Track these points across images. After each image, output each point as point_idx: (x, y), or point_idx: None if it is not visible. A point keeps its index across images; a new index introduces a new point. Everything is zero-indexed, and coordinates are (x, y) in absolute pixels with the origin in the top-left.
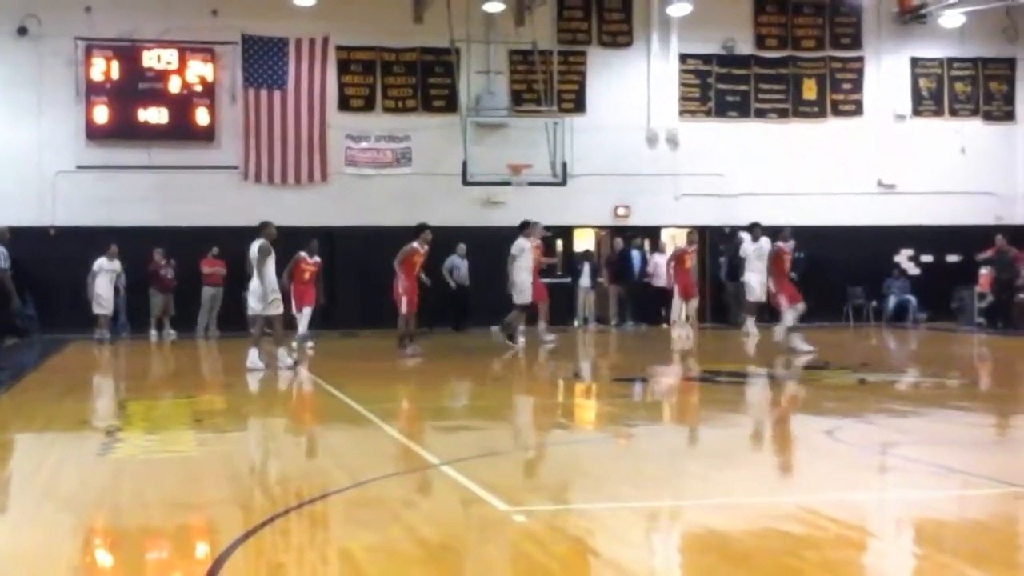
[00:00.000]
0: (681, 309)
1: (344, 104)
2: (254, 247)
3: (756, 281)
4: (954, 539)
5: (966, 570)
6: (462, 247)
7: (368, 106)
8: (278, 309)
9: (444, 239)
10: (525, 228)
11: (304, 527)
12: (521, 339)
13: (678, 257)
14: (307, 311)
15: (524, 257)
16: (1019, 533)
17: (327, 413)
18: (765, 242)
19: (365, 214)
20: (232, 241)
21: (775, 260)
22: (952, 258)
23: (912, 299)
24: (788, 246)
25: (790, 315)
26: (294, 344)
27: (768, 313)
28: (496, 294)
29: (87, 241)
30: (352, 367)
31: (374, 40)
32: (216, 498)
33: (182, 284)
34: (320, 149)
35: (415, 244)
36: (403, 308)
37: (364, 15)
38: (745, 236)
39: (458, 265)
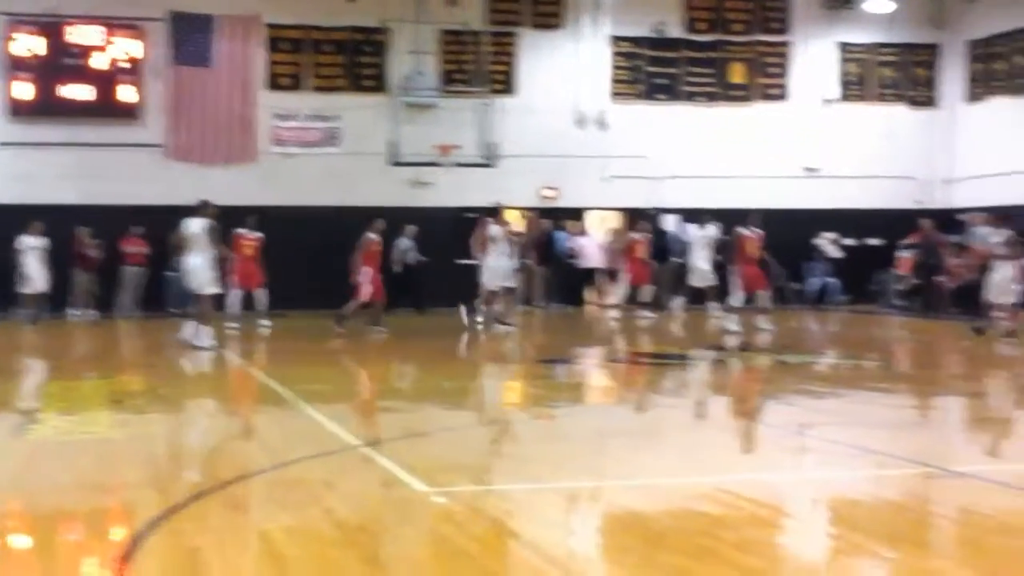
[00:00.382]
0: (626, 293)
1: (272, 83)
2: (195, 226)
3: (701, 266)
4: (868, 519)
5: (879, 549)
6: (411, 228)
7: (297, 85)
8: (215, 288)
9: (371, 218)
10: (497, 212)
11: (222, 509)
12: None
13: (629, 245)
14: (247, 294)
15: (499, 242)
16: (932, 512)
17: (250, 394)
18: (712, 228)
19: (292, 194)
20: (155, 220)
21: (737, 244)
22: (873, 241)
23: (834, 281)
24: (753, 232)
25: (736, 299)
26: (229, 324)
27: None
28: (430, 274)
29: (5, 219)
30: (278, 348)
31: (304, 18)
32: (133, 480)
33: (101, 263)
34: (247, 128)
35: (372, 234)
36: (360, 295)
37: None
38: (670, 219)
39: (408, 247)
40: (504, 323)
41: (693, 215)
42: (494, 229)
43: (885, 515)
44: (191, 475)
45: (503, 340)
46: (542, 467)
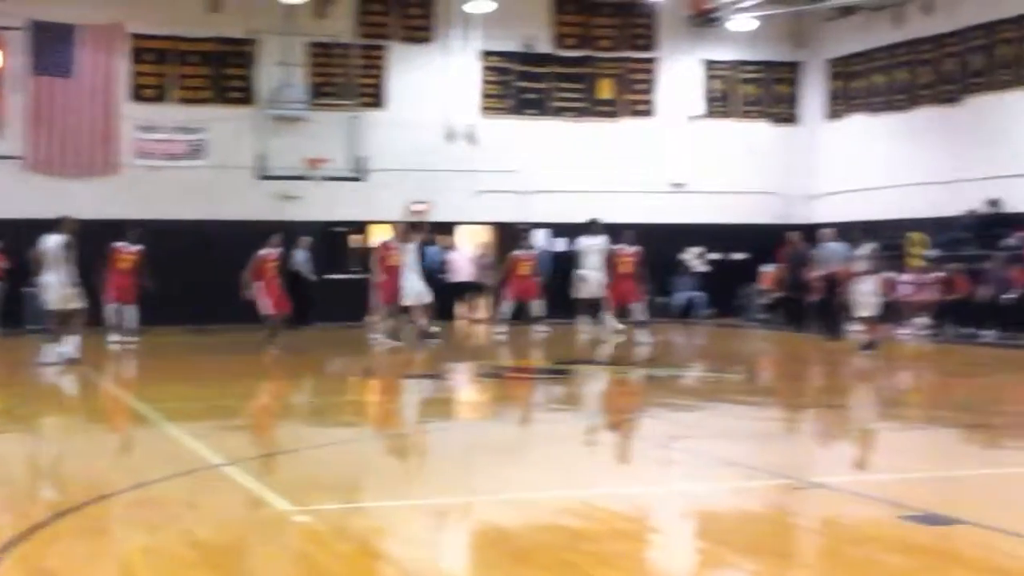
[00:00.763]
0: (509, 309)
1: (136, 94)
2: (52, 242)
3: (593, 277)
4: (731, 531)
5: (740, 561)
6: (306, 239)
7: (161, 96)
8: (78, 303)
9: (240, 233)
10: (417, 228)
11: (79, 531)
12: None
13: (512, 262)
14: (119, 308)
15: (408, 257)
16: (792, 524)
17: (110, 413)
18: (602, 239)
19: (157, 207)
20: (14, 234)
21: (610, 259)
22: (737, 256)
23: (700, 296)
24: (627, 248)
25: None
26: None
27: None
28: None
29: None
30: (141, 365)
31: (168, 29)
32: None
33: None
34: (110, 139)
35: (266, 251)
36: (266, 310)
37: (158, 3)
38: (539, 233)
39: (303, 260)
40: (430, 335)
41: (579, 228)
42: (408, 245)
43: (748, 527)
44: (47, 496)
45: (380, 355)
46: (409, 484)
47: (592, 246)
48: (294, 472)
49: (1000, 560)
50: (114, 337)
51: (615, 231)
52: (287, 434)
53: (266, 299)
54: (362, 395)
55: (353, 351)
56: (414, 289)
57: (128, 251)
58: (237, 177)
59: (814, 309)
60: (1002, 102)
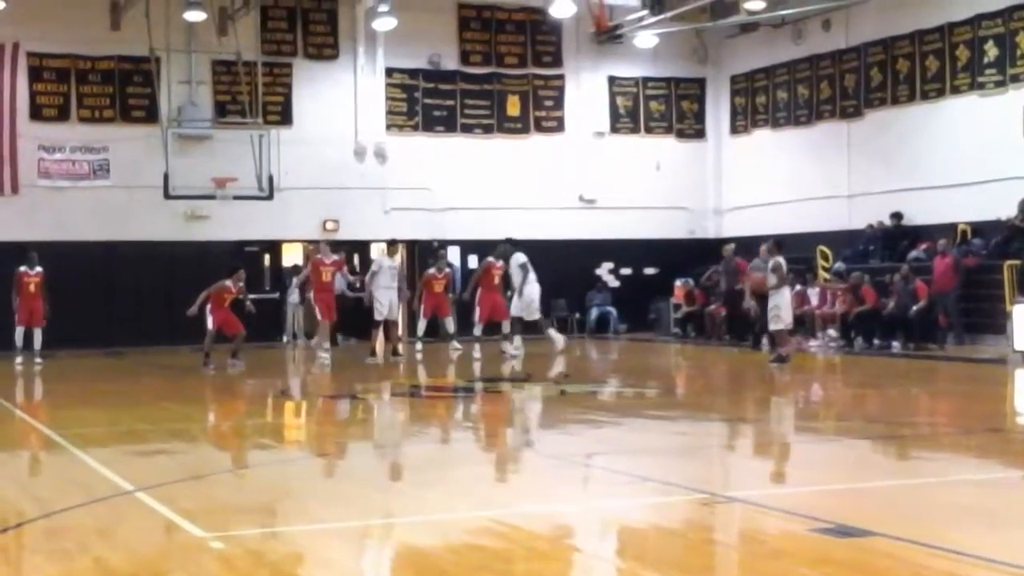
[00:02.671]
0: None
1: (36, 113)
2: None
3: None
4: (647, 547)
5: None
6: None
7: (62, 115)
8: None
9: (147, 254)
10: (392, 245)
11: None
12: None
13: (426, 281)
14: (27, 330)
15: (383, 275)
16: (707, 540)
17: (16, 439)
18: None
19: (60, 229)
20: None
21: (483, 274)
22: (649, 271)
23: (613, 311)
24: (499, 263)
25: (478, 328)
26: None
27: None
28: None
29: None
30: (49, 389)
31: (68, 47)
32: None
33: None
34: (10, 160)
35: (228, 282)
36: (211, 326)
37: (57, 21)
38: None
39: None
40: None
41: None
42: (383, 261)
43: (665, 543)
44: None
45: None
46: (326, 507)
47: (391, 267)
48: (208, 497)
49: (914, 571)
50: (20, 359)
51: (524, 247)
52: (201, 458)
53: (213, 316)
54: (278, 417)
55: (272, 371)
56: (391, 305)
57: (31, 274)
58: (144, 197)
59: (736, 322)
60: (901, 116)
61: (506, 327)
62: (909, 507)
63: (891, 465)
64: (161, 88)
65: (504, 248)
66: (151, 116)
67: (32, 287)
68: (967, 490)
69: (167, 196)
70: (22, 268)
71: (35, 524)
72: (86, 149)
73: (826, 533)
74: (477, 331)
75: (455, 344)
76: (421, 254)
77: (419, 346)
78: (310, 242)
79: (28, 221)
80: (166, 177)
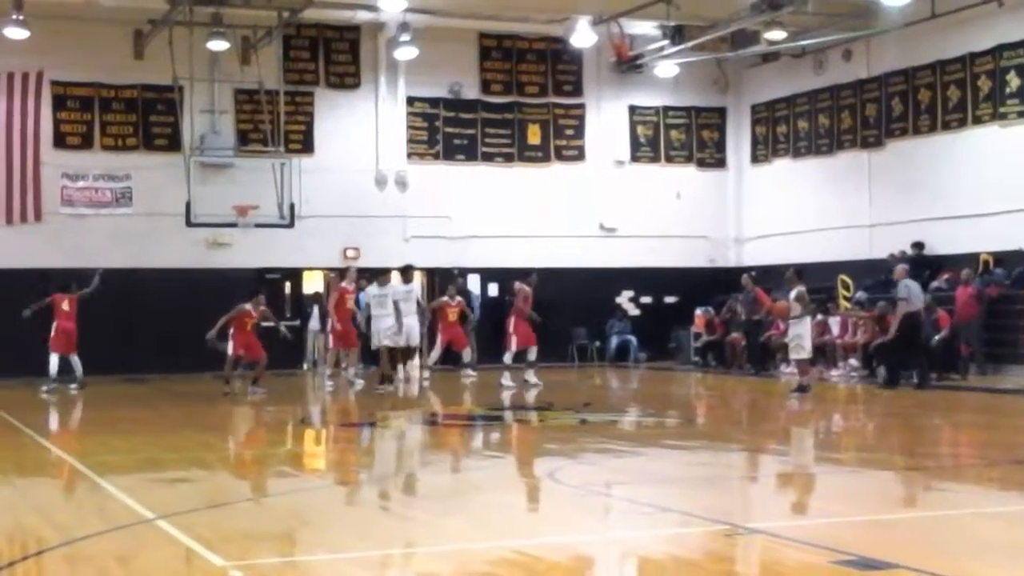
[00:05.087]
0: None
1: (60, 141)
2: None
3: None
4: None
5: None
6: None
7: (86, 144)
8: None
9: (167, 280)
10: (408, 272)
11: None
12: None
13: (441, 310)
14: (56, 358)
15: (409, 301)
16: (727, 571)
17: (38, 467)
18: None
19: (83, 255)
20: None
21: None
22: (670, 299)
23: (633, 339)
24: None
25: (508, 356)
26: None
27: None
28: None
29: None
30: (70, 417)
31: (92, 76)
32: None
33: None
34: (34, 187)
35: (248, 306)
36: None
37: (81, 50)
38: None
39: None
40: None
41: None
42: (405, 289)
43: (685, 575)
44: None
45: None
46: (344, 536)
47: (407, 293)
48: (228, 526)
49: None
50: (47, 387)
51: (544, 275)
52: (221, 486)
53: (232, 341)
54: (298, 445)
55: (292, 399)
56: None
57: (68, 300)
58: (165, 224)
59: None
60: (922, 146)
61: (532, 355)
62: (931, 539)
63: (913, 496)
64: (184, 117)
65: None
66: (174, 144)
67: (68, 313)
68: (990, 522)
69: (189, 224)
70: (58, 293)
71: (56, 552)
72: (109, 177)
73: (848, 565)
74: (507, 359)
75: (468, 372)
76: (441, 282)
77: (426, 374)
78: (332, 270)
79: (51, 248)
80: (188, 205)
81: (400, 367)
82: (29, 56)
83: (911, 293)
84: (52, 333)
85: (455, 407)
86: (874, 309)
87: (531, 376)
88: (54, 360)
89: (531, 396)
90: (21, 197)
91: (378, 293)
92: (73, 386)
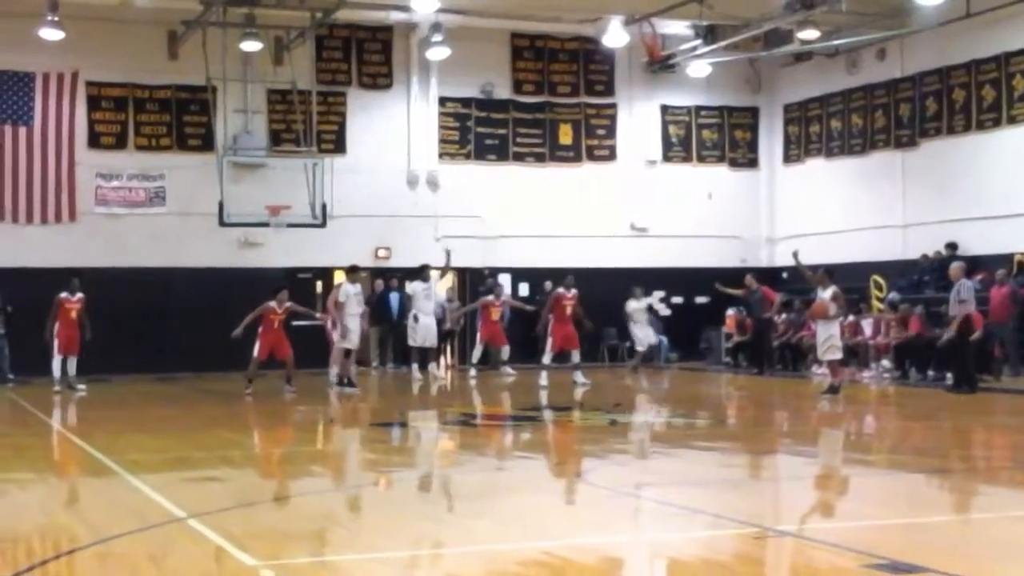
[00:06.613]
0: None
1: (94, 141)
2: None
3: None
4: None
5: None
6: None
7: (120, 144)
8: None
9: (199, 279)
10: (424, 272)
11: None
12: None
13: (483, 308)
14: (64, 359)
15: (428, 300)
16: (757, 574)
17: (71, 465)
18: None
19: (117, 255)
20: None
21: (554, 305)
22: (701, 300)
23: (664, 339)
24: (569, 293)
25: (547, 357)
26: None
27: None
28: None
29: None
30: (102, 415)
31: (126, 76)
32: None
33: None
34: (68, 187)
35: (272, 303)
36: (257, 353)
37: (116, 50)
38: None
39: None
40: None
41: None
42: (416, 286)
43: None
44: (7, 554)
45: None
46: (375, 536)
47: (426, 291)
48: (259, 525)
49: None
50: (58, 388)
51: (575, 275)
52: (252, 485)
53: (259, 341)
54: (328, 444)
55: (320, 399)
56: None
57: (72, 301)
58: (198, 224)
59: (778, 352)
60: (957, 146)
61: (575, 357)
62: (963, 543)
63: (945, 500)
64: (217, 117)
65: (570, 277)
66: (207, 144)
67: (73, 314)
68: (1021, 526)
69: (221, 223)
70: (63, 295)
71: (88, 550)
72: (143, 177)
73: (879, 569)
74: (546, 359)
75: (507, 370)
76: (472, 281)
77: (472, 372)
78: (364, 269)
79: (85, 247)
80: (221, 205)
81: (432, 366)
82: (64, 57)
83: (970, 294)
84: (58, 334)
85: (488, 407)
86: (912, 311)
87: (579, 376)
88: (58, 362)
89: (576, 395)
90: (56, 197)
91: (424, 287)
92: (82, 387)
